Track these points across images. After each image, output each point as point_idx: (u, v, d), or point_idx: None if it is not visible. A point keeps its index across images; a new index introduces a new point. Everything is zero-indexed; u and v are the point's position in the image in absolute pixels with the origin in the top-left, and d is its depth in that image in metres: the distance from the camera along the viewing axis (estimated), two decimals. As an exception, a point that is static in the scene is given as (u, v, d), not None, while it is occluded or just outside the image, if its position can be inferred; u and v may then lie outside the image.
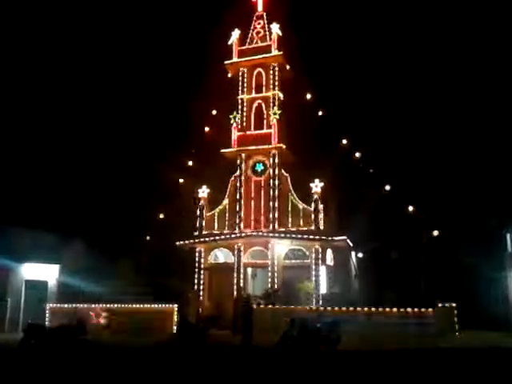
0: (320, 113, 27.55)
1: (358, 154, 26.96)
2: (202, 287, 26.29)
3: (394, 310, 20.15)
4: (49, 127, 33.50)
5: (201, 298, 25.96)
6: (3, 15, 35.02)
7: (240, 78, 28.23)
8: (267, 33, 28.26)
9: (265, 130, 27.18)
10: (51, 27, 36.47)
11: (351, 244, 26.17)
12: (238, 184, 27.08)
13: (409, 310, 19.97)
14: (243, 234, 26.02)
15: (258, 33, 28.61)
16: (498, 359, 14.46)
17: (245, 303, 18.14)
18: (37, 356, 16.03)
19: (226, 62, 28.31)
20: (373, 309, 20.42)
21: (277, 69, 27.68)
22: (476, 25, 33.05)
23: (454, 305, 20.00)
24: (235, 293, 24.88)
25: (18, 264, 25.33)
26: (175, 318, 23.08)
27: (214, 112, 28.98)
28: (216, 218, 27.45)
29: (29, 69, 35.30)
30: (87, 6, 38.73)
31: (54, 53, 36.53)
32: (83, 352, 16.67)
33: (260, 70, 28.08)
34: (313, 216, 25.38)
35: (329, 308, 20.92)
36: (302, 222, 25.77)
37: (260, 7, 29.01)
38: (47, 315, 24.72)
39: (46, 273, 26.32)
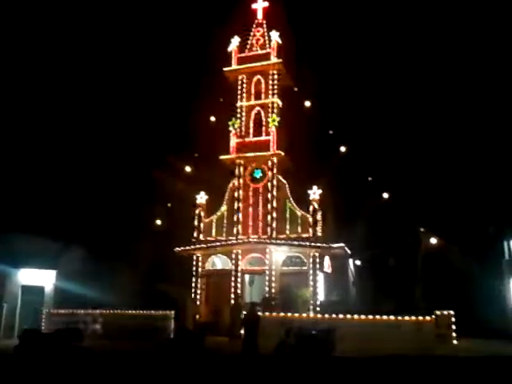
0: (319, 120, 27.60)
1: (356, 162, 27.04)
2: (199, 293, 26.22)
3: (392, 317, 20.08)
4: (47, 133, 33.49)
5: (198, 304, 25.90)
6: (4, 15, 35.13)
7: (239, 85, 28.32)
8: (267, 40, 28.38)
9: (263, 137, 27.24)
10: (51, 29, 36.56)
11: (349, 251, 26.17)
12: (236, 190, 27.08)
13: (406, 317, 19.91)
14: (241, 241, 25.99)
15: (257, 40, 28.73)
16: (495, 367, 14.41)
17: (250, 311, 17.83)
18: (32, 362, 15.93)
19: (226, 69, 28.41)
20: (370, 316, 20.35)
21: (276, 76, 27.76)
22: (475, 25, 33.17)
23: (451, 312, 19.97)
24: (232, 299, 24.85)
25: (15, 269, 25.28)
26: (172, 324, 23.02)
27: (213, 118, 29.06)
28: (214, 224, 27.43)
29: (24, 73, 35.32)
30: (87, 16, 38.80)
31: (51, 58, 36.58)
32: (79, 358, 16.58)
33: (259, 77, 28.17)
34: (311, 223, 25.40)
35: (326, 315, 20.85)
36: (300, 229, 25.76)
37: (260, 15, 29.14)
38: (43, 321, 24.63)
39: (43, 278, 26.24)
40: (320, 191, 25.60)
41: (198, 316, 25.18)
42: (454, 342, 19.65)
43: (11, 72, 34.56)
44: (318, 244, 24.70)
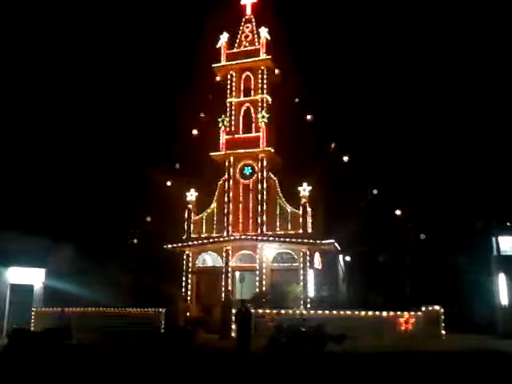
0: (308, 116, 27.60)
1: (345, 158, 27.06)
2: (189, 291, 26.21)
3: (381, 313, 20.21)
4: (35, 131, 33.25)
5: (188, 301, 25.88)
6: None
7: (228, 82, 28.25)
8: (256, 36, 28.30)
9: (253, 134, 27.20)
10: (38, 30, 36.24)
11: (339, 247, 26.27)
12: (226, 187, 27.04)
13: (395, 312, 20.05)
14: (231, 238, 25.99)
15: (246, 36, 28.64)
16: (482, 362, 14.57)
17: (242, 308, 17.76)
18: (22, 361, 15.86)
19: (214, 65, 28.31)
20: (359, 312, 20.47)
21: (265, 72, 27.71)
22: (473, 25, 33.33)
23: (439, 308, 20.15)
24: (223, 296, 24.84)
25: (3, 268, 25.02)
26: (163, 321, 22.99)
27: (202, 115, 28.96)
28: (204, 221, 27.41)
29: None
30: (78, 15, 38.52)
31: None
32: (69, 356, 16.55)
33: (248, 73, 28.12)
34: (301, 219, 25.44)
35: (317, 311, 20.93)
36: (290, 226, 25.81)
37: (249, 11, 29.04)
38: (33, 319, 24.47)
39: (32, 277, 26.00)
40: (310, 188, 25.65)
41: (188, 313, 25.16)
42: (443, 337, 19.83)
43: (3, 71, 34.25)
44: (308, 240, 24.77)
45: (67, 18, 38.05)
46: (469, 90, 31.71)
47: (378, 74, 33.47)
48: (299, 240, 24.84)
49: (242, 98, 28.04)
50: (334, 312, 20.62)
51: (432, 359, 15.44)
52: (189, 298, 25.99)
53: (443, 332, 20.00)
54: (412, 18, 35.82)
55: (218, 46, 28.52)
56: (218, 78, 28.69)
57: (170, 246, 26.56)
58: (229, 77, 28.27)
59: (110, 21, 36.94)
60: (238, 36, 28.75)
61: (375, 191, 26.54)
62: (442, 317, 20.11)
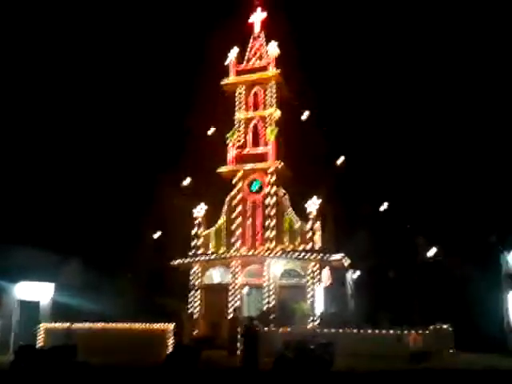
0: (318, 130, 27.54)
1: (356, 172, 26.98)
2: (197, 306, 26.07)
3: (390, 331, 19.92)
4: (44, 144, 33.51)
5: (195, 317, 25.72)
6: (3, 15, 35.27)
7: (237, 96, 28.30)
8: (265, 51, 28.40)
9: (262, 148, 27.15)
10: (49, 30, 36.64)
11: (348, 263, 26.01)
12: (234, 202, 26.96)
13: (404, 331, 19.74)
14: (239, 254, 25.86)
15: (255, 51, 28.75)
16: (493, 381, 14.30)
17: (249, 325, 17.54)
18: (28, 379, 15.79)
19: (224, 80, 28.39)
20: (368, 330, 20.20)
21: (274, 87, 27.73)
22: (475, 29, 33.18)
23: (449, 326, 19.88)
24: (230, 312, 24.67)
25: (12, 284, 24.91)
26: (171, 337, 22.81)
27: (211, 130, 28.99)
28: (212, 236, 27.28)
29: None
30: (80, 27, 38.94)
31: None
32: (76, 374, 16.42)
33: (258, 87, 28.16)
34: (310, 234, 25.23)
35: (325, 329, 20.68)
36: (299, 241, 25.59)
37: (257, 28, 29.14)
38: (40, 336, 24.33)
39: (41, 292, 25.91)
40: (319, 202, 25.43)
41: (195, 330, 24.99)
42: (452, 355, 19.52)
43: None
44: (317, 256, 24.57)
45: (82, 32, 38.49)
46: (485, 101, 31.45)
47: (388, 87, 33.36)
48: (307, 255, 24.64)
49: (251, 113, 28.03)
50: (342, 330, 20.33)
51: (443, 377, 15.17)
52: (196, 314, 25.83)
53: (453, 349, 19.69)
54: (428, 28, 35.63)
55: (227, 62, 28.61)
56: (227, 93, 28.73)
57: (177, 261, 26.48)
58: (238, 91, 28.33)
59: (120, 34, 37.27)
60: (248, 51, 28.87)
61: (385, 205, 26.33)
62: (452, 334, 19.81)
